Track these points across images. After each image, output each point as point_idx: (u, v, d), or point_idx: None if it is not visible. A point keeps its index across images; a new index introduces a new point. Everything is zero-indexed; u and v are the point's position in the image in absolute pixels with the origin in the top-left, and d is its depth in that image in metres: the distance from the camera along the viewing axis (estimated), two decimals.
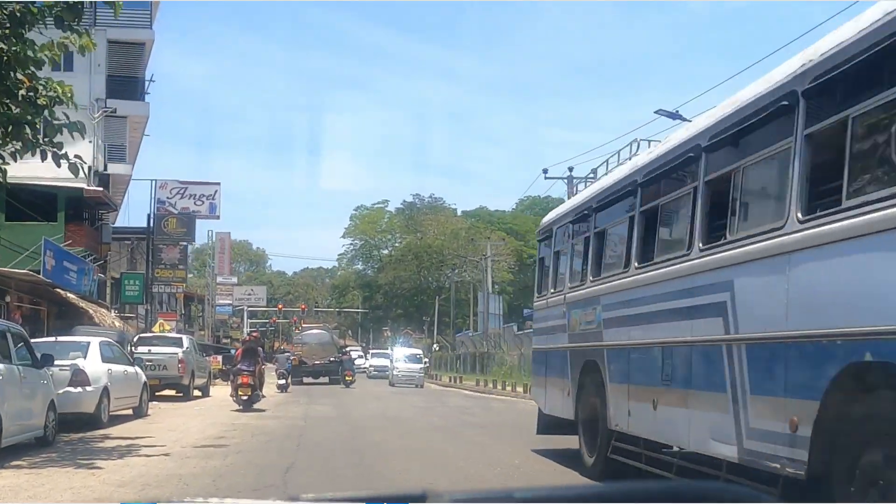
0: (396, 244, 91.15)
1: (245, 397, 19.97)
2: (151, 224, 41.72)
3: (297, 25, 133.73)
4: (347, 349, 44.87)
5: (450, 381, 47.62)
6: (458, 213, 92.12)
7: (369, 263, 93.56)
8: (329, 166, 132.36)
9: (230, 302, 66.92)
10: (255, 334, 24.81)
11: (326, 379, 38.89)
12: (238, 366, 20.59)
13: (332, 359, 39.15)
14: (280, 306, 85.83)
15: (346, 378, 36.94)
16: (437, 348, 69.28)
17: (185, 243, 42.48)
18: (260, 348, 22.49)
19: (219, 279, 63.27)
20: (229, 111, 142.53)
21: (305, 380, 38.05)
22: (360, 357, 57.34)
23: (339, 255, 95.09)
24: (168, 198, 44.90)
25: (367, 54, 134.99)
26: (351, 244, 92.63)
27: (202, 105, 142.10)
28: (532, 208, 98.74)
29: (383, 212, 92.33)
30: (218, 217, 45.59)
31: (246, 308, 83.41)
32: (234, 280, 69.70)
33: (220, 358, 41.16)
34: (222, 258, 63.47)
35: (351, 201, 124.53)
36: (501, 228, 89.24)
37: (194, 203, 45.26)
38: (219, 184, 45.86)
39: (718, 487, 2.09)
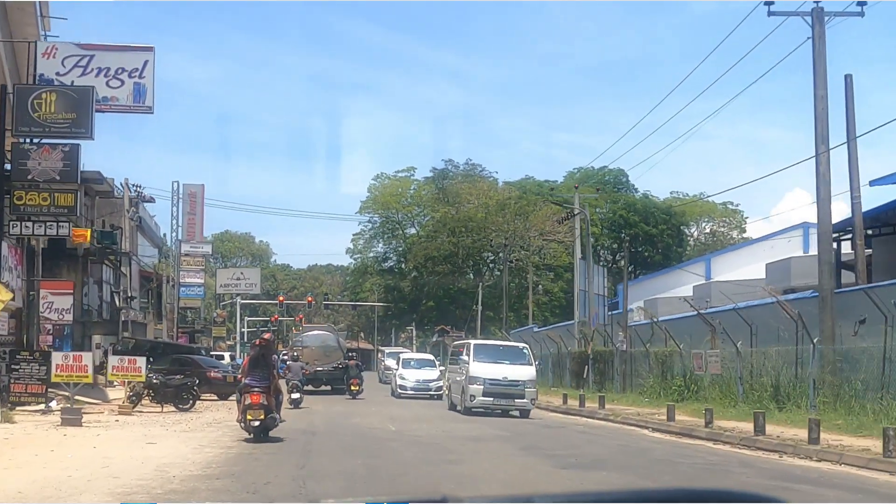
0: (425, 220, 69.63)
1: (256, 423, 13.63)
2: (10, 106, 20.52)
3: (306, 30, 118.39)
4: (352, 354, 34.96)
5: (562, 402, 25.40)
6: (500, 183, 70.65)
7: (391, 245, 71.86)
8: (339, 170, 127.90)
9: (201, 281, 45.15)
10: (266, 336, 15.74)
11: (329, 388, 31.47)
12: (246, 380, 14.06)
13: (336, 365, 31.44)
14: (281, 298, 64.75)
15: (352, 388, 29.26)
16: None
17: (74, 140, 21.14)
18: (274, 356, 15.80)
19: (185, 249, 41.90)
20: (237, 115, 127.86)
21: (304, 388, 27.52)
22: (433, 369, 32.12)
23: (353, 234, 73.39)
24: (61, 73, 23.63)
25: (376, 58, 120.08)
26: (369, 221, 70.88)
27: (211, 108, 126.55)
28: (586, 181, 77.86)
29: (409, 181, 70.75)
30: (149, 109, 24.18)
31: (238, 300, 62.08)
32: (207, 250, 47.92)
33: (139, 363, 19.81)
34: (192, 220, 42.10)
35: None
36: (554, 202, 67.55)
37: (107, 82, 23.98)
38: (151, 49, 24.46)
39: (729, 492, 1.91)
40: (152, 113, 24.24)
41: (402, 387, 30.36)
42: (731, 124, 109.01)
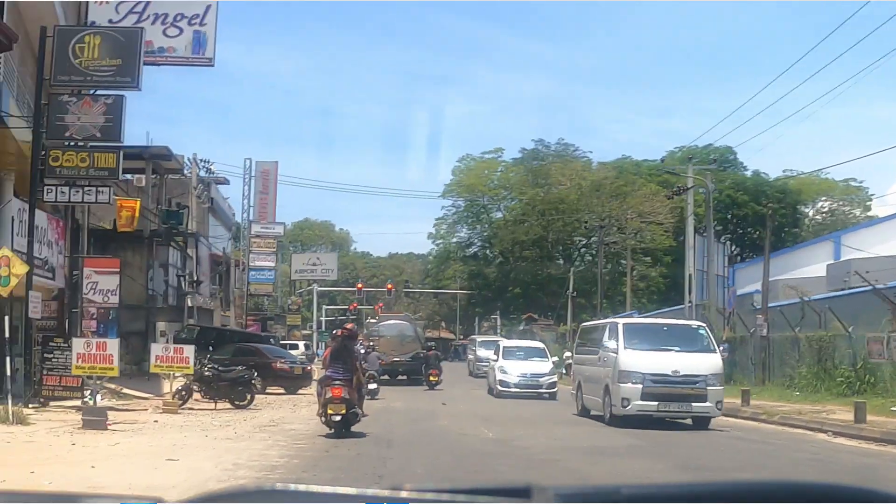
0: (512, 204, 65.79)
1: (338, 418, 12.52)
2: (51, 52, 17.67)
3: (398, 23, 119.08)
4: (431, 344, 34.28)
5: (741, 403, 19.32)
6: (594, 164, 66.05)
7: (476, 230, 68.27)
8: (426, 162, 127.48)
9: (272, 265, 42.44)
10: (349, 326, 15.05)
11: (405, 378, 30.00)
12: (327, 372, 13.23)
13: (414, 354, 30.57)
14: (360, 286, 61.87)
15: (431, 379, 27.66)
16: None
17: (118, 91, 18.21)
18: (358, 347, 16.71)
19: (256, 229, 39.27)
20: (322, 106, 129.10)
21: (380, 378, 25.33)
22: (544, 360, 26.33)
23: (436, 219, 70.03)
24: (115, 21, 20.82)
25: (465, 49, 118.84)
26: (452, 205, 67.38)
27: (296, 99, 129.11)
28: (690, 160, 72.61)
29: (497, 163, 66.96)
30: (209, 61, 21.19)
31: (315, 287, 59.49)
32: (280, 231, 45.03)
33: (186, 352, 16.85)
34: (265, 199, 39.42)
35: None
36: (655, 181, 62.73)
37: (164, 30, 21.12)
38: None
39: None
40: (212, 65, 21.26)
41: (503, 383, 24.47)
42: (841, 104, 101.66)
